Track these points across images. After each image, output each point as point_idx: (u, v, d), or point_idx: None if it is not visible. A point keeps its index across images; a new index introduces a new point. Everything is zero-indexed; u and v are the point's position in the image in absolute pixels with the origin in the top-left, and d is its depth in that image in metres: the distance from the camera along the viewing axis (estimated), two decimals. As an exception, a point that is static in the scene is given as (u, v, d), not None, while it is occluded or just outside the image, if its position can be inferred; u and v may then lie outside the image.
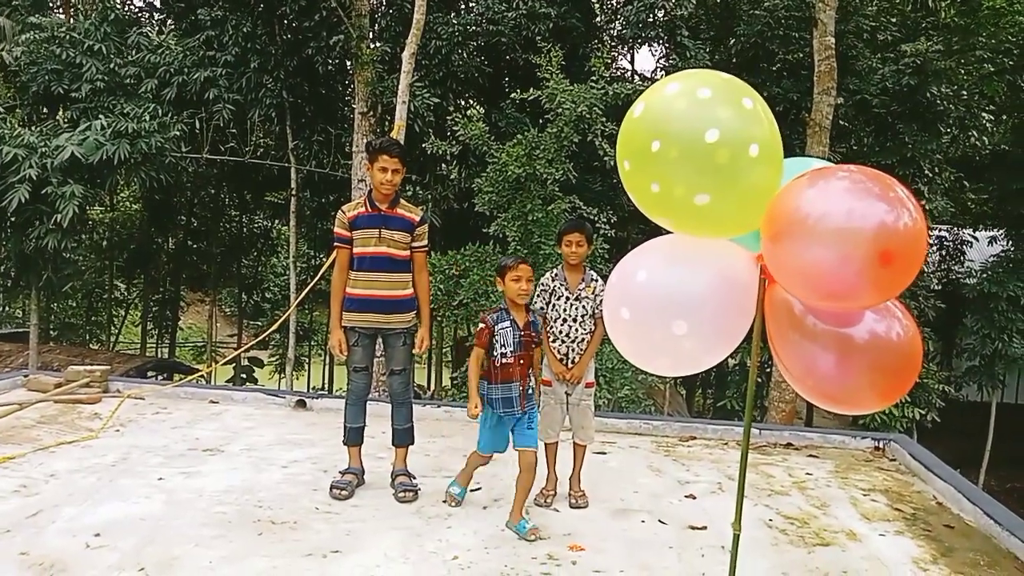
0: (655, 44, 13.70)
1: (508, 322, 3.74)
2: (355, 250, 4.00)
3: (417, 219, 4.05)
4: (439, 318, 10.20)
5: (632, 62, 15.15)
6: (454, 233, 12.02)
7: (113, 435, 4.92)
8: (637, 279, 1.74)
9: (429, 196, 11.78)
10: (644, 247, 1.84)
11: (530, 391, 3.82)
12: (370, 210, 3.98)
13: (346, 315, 4.02)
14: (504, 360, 3.71)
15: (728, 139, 1.52)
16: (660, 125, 1.58)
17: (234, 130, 12.14)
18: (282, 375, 15.80)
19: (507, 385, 3.72)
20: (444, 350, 18.49)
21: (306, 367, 18.96)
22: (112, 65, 11.52)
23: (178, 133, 11.13)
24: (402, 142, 8.67)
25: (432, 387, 17.95)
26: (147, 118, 10.66)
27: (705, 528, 3.84)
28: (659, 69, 14.33)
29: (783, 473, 4.80)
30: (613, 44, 14.15)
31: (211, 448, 4.75)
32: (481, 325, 3.80)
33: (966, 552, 3.67)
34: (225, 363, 13.36)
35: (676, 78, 1.66)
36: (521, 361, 3.74)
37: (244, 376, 17.10)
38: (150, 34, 13.04)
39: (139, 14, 14.86)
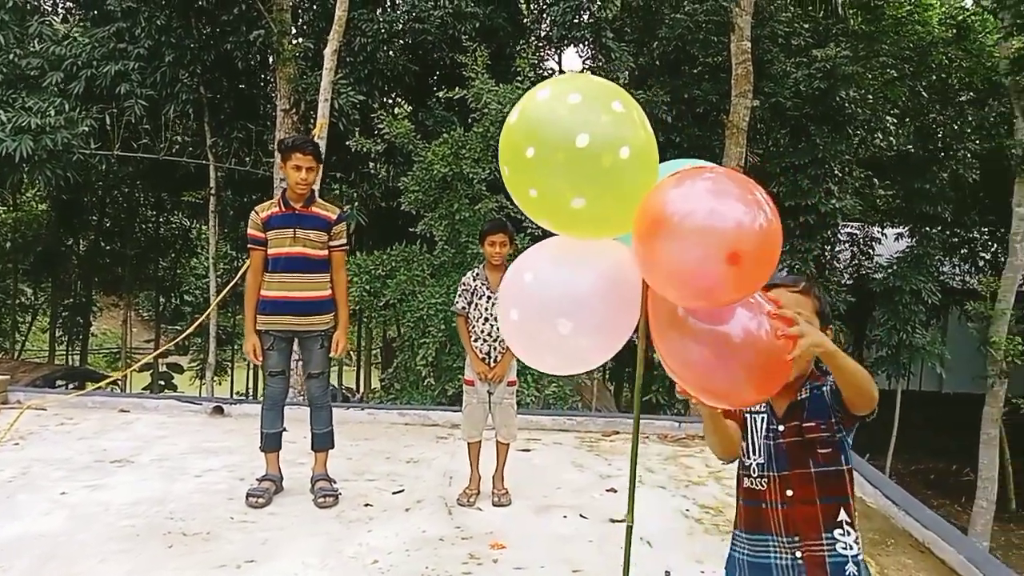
0: (581, 45, 13.88)
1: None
2: (270, 251, 3.90)
3: (334, 217, 3.97)
4: (366, 319, 10.05)
5: (559, 63, 15.28)
6: (381, 233, 11.86)
7: (12, 449, 4.65)
8: (524, 280, 1.77)
9: (355, 194, 11.58)
10: (534, 248, 1.87)
11: None
12: (284, 209, 3.89)
13: (260, 318, 3.91)
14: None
15: (598, 143, 1.55)
16: (533, 131, 1.61)
17: (148, 126, 11.62)
18: (203, 381, 15.24)
19: None
20: (374, 351, 18.25)
21: (229, 372, 18.36)
22: (12, 56, 10.83)
23: (87, 129, 10.55)
24: (324, 140, 8.54)
25: (362, 389, 17.69)
26: (52, 113, 10.06)
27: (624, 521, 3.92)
28: (585, 70, 14.53)
29: (700, 464, 4.95)
30: (540, 44, 14.24)
31: (120, 459, 4.54)
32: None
33: (867, 532, 3.86)
34: (138, 368, 12.79)
35: (549, 83, 1.69)
36: None
37: (162, 383, 16.43)
38: (54, 24, 12.35)
39: (40, 2, 14.03)
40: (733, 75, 10.27)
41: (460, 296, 4.13)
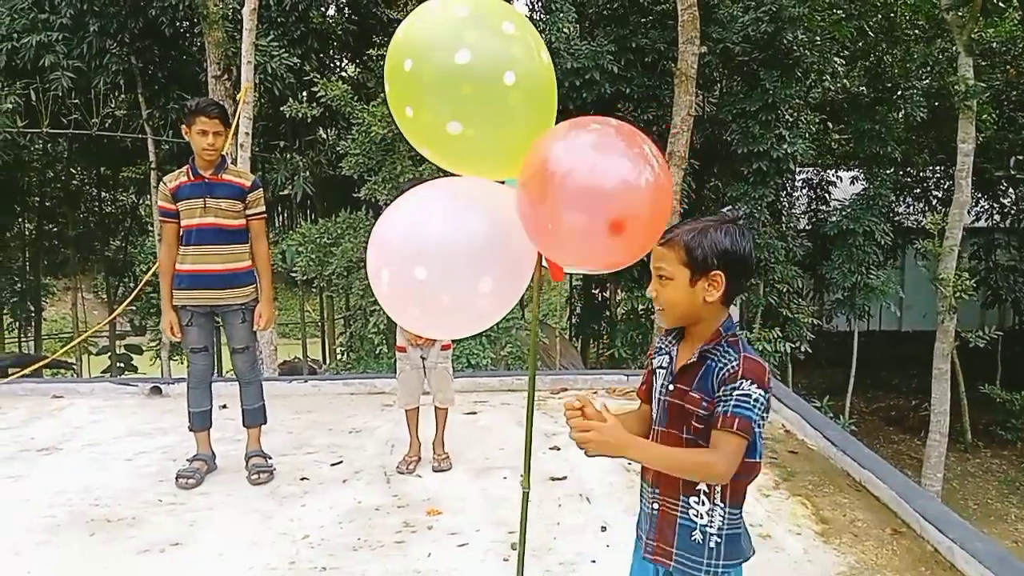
0: (524, -2, 13.55)
1: None
2: (182, 223, 3.71)
3: (248, 184, 3.78)
4: (316, 289, 9.84)
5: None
6: (327, 200, 11.58)
7: (-70, 444, 4.45)
8: (393, 229, 1.63)
9: (302, 162, 11.26)
10: (407, 193, 1.72)
11: None
12: (193, 179, 3.69)
13: (176, 293, 3.74)
14: None
15: (480, 63, 1.41)
16: (413, 42, 1.47)
17: (78, 100, 11.11)
18: (161, 361, 14.94)
19: None
20: (336, 320, 18.03)
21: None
22: (-78, 31, 10.24)
23: (11, 106, 10.07)
24: (251, 105, 8.21)
25: (327, 361, 17.51)
26: (-29, 90, 9.57)
27: (565, 478, 3.89)
28: (531, 19, 14.20)
29: (647, 416, 4.93)
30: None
31: (46, 448, 4.37)
32: None
33: (806, 475, 3.88)
34: (75, 349, 12.43)
35: None
36: None
37: (121, 365, 16.08)
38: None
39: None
40: (679, 21, 10.07)
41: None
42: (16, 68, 10.58)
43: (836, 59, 11.54)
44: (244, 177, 3.82)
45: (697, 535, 1.68)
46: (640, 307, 11.46)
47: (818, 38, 11.23)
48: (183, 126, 3.70)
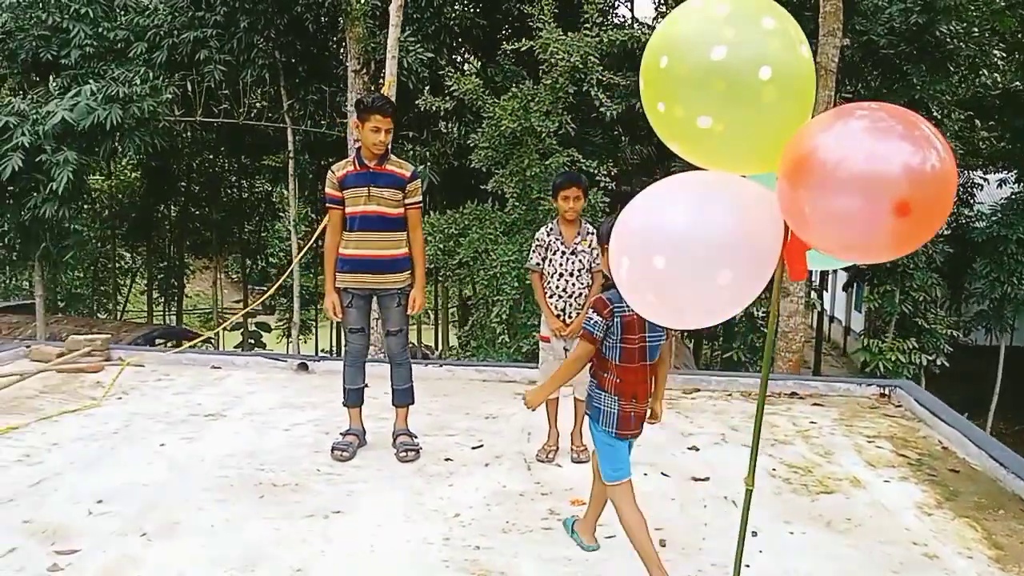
0: (655, -11, 13.31)
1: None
2: (347, 210, 3.92)
3: (408, 175, 3.94)
4: (441, 278, 10.13)
5: (632, 8, 14.74)
6: (453, 191, 11.87)
7: (115, 403, 4.93)
8: (632, 227, 1.65)
9: (427, 153, 11.60)
10: (652, 185, 1.73)
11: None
12: (358, 168, 3.88)
13: (339, 276, 3.96)
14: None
15: (735, 58, 1.41)
16: (670, 40, 1.50)
17: (227, 91, 11.94)
18: (289, 339, 15.86)
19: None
20: (451, 309, 18.49)
21: (313, 331, 19.02)
22: (100, 29, 11.28)
23: (170, 96, 10.95)
24: (393, 99, 8.52)
25: (440, 347, 18.01)
26: (138, 82, 10.47)
27: (708, 479, 3.83)
28: (658, 16, 13.95)
29: (787, 422, 4.78)
30: (610, -10, 13.77)
31: (213, 413, 4.75)
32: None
33: (971, 496, 3.64)
34: (230, 328, 13.39)
35: None
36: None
37: (252, 341, 17.19)
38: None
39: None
40: (821, 12, 9.61)
41: (534, 252, 4.06)
42: (175, 62, 11.49)
43: (995, 51, 10.66)
44: (404, 168, 3.98)
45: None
46: (759, 312, 11.05)
47: (975, 29, 10.42)
48: (355, 120, 3.89)
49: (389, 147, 3.95)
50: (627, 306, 2.45)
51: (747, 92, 1.42)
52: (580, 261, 3.97)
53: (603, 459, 2.83)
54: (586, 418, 4.09)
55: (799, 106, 1.49)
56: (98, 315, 17.62)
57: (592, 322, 2.64)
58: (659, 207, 1.61)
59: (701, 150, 1.56)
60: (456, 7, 10.77)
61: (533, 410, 2.92)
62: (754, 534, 3.25)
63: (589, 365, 2.78)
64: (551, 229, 4.04)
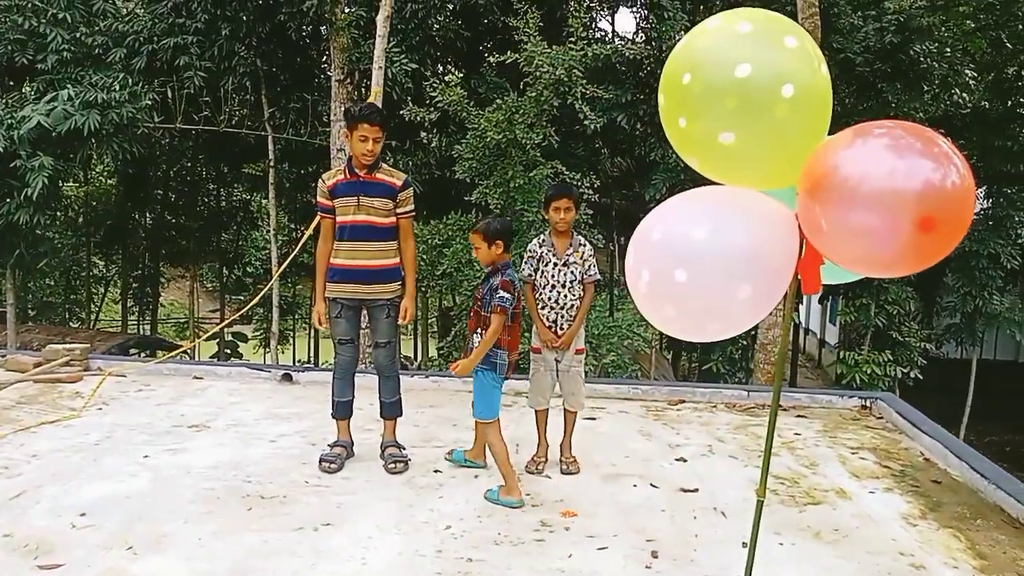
0: (633, 5, 13.48)
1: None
2: (337, 219, 3.91)
3: (399, 184, 3.94)
4: (423, 288, 10.10)
5: (612, 23, 14.91)
6: (436, 202, 11.85)
7: (96, 413, 4.84)
8: (652, 239, 1.66)
9: (411, 163, 11.58)
10: (671, 199, 1.75)
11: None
12: (349, 177, 3.88)
13: (329, 286, 3.94)
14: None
15: (759, 76, 1.44)
16: (693, 57, 1.52)
17: (207, 99, 11.82)
18: (267, 349, 15.68)
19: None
20: (430, 321, 18.43)
21: (291, 341, 18.83)
22: (79, 34, 11.11)
23: (150, 103, 10.79)
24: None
25: (419, 358, 17.92)
26: (117, 88, 10.30)
27: (697, 490, 3.85)
28: (639, 31, 14.13)
29: (772, 434, 4.82)
30: (592, 5, 13.90)
31: (197, 424, 4.68)
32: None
33: (954, 506, 3.71)
34: (207, 338, 13.21)
35: (721, 14, 1.58)
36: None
37: (228, 351, 16.95)
38: (117, 1, 12.59)
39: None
40: (799, 31, 9.82)
41: (526, 263, 4.07)
42: (155, 68, 11.35)
43: (967, 71, 10.95)
44: (396, 176, 3.97)
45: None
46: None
47: (948, 49, 10.70)
48: (344, 130, 3.88)
49: (379, 156, 3.94)
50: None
51: (770, 109, 1.45)
52: (572, 272, 3.99)
53: (486, 400, 3.72)
54: (574, 429, 4.13)
55: (817, 123, 1.53)
56: (70, 324, 17.27)
57: (506, 299, 3.55)
58: (679, 220, 1.63)
59: (721, 165, 1.59)
60: (440, 19, 10.80)
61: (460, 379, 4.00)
62: (744, 545, 3.27)
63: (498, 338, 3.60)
64: (543, 240, 4.06)
